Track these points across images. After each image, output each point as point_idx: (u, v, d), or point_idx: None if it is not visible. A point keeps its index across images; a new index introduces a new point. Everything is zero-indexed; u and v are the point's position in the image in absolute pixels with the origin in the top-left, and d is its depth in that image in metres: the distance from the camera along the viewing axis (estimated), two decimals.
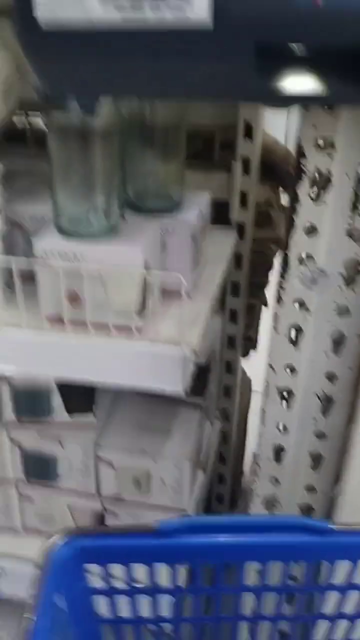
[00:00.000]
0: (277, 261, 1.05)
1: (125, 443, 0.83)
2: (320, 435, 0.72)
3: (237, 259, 0.99)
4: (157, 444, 0.83)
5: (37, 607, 0.50)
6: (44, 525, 0.93)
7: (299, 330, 0.67)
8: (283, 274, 0.64)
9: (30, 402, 0.83)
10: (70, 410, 0.83)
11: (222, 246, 0.92)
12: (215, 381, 1.03)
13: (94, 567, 0.59)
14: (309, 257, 0.63)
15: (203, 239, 0.82)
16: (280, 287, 0.65)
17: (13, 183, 0.85)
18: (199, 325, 0.74)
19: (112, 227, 0.73)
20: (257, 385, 1.23)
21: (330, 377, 0.68)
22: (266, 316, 1.12)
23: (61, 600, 0.56)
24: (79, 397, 0.83)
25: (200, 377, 0.87)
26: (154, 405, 0.88)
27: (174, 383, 0.72)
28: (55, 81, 0.48)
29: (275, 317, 0.67)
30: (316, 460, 0.73)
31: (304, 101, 0.47)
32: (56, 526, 0.91)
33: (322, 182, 0.59)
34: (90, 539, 0.57)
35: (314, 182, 0.59)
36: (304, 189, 0.60)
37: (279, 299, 0.66)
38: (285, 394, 0.71)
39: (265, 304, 1.11)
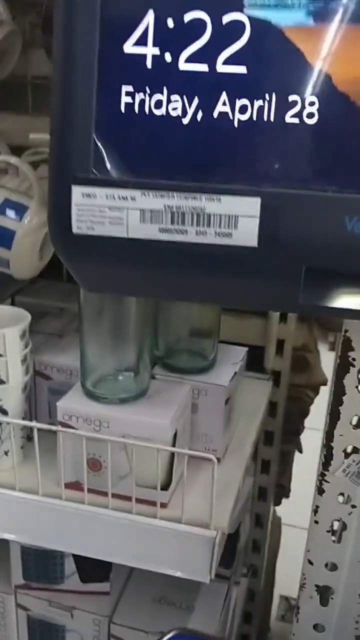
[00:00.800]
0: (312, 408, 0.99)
1: (142, 620, 0.75)
2: None
3: (271, 407, 0.93)
4: (177, 623, 0.75)
5: None
6: None
7: (343, 525, 0.60)
8: (326, 465, 0.59)
9: (41, 567, 0.76)
10: (84, 578, 0.76)
11: (257, 397, 0.87)
12: (243, 537, 0.95)
13: None
14: (355, 450, 0.57)
15: (237, 393, 0.77)
16: (323, 478, 0.59)
17: (44, 326, 0.83)
18: (230, 499, 0.68)
19: (142, 391, 0.68)
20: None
21: None
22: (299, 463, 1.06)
23: None
24: (95, 563, 0.76)
25: (229, 547, 0.80)
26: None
27: (200, 570, 0.65)
28: (90, 281, 0.45)
29: (316, 510, 0.61)
30: None
31: (353, 315, 0.43)
32: None
33: None
34: None
35: None
36: (352, 380, 0.55)
37: (320, 491, 0.60)
38: (323, 592, 0.63)
39: (300, 450, 1.04)
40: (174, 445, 0.65)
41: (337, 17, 0.36)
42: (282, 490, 1.05)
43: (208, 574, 0.64)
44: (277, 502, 1.05)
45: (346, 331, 0.54)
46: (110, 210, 0.39)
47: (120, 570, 0.79)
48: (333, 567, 0.62)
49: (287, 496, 1.06)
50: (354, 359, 0.54)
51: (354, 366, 0.55)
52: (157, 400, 0.68)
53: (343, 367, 0.55)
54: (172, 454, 0.65)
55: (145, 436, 0.64)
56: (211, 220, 0.39)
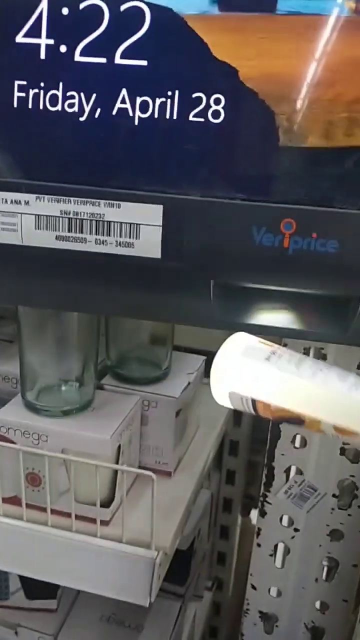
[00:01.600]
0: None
1: None
2: None
3: (236, 416, 0.89)
4: None
5: None
6: None
7: (286, 549, 0.57)
8: (267, 486, 0.55)
9: None
10: (30, 594, 0.73)
11: (217, 407, 0.82)
12: (208, 550, 0.92)
13: None
14: (299, 471, 0.54)
15: (196, 403, 0.74)
16: (265, 499, 0.56)
17: None
18: (177, 516, 0.65)
19: (86, 403, 0.65)
20: None
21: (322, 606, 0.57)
22: None
23: None
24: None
25: (182, 564, 0.77)
26: None
27: (140, 593, 0.61)
28: None
29: (259, 532, 0.57)
30: None
31: (269, 332, 0.39)
32: None
33: None
34: None
35: None
36: None
37: (262, 513, 0.56)
38: (267, 619, 0.60)
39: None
40: (117, 460, 0.62)
41: (244, 6, 0.32)
42: (251, 502, 1.02)
43: (148, 596, 0.61)
44: (245, 514, 1.01)
45: (285, 345, 0.50)
46: (3, 216, 0.36)
47: (69, 588, 0.76)
48: (278, 594, 0.58)
49: (257, 507, 1.03)
50: None
51: None
52: (101, 412, 0.64)
53: None
54: (114, 476, 0.61)
55: (85, 451, 0.60)
56: (111, 228, 0.35)
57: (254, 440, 0.96)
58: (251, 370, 0.30)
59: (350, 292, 0.35)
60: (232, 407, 0.33)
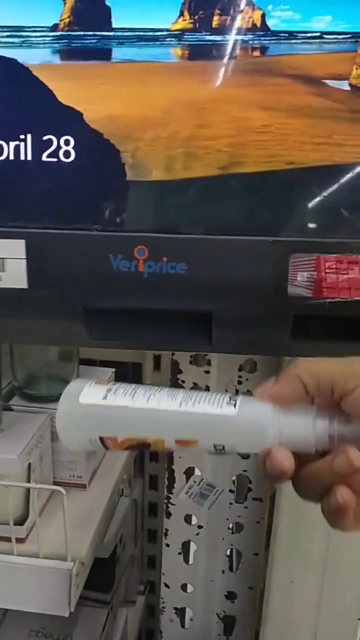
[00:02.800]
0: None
1: None
2: None
3: None
4: None
5: None
6: None
7: (192, 546, 0.60)
8: (170, 488, 0.58)
9: None
10: None
11: None
12: (137, 554, 0.94)
13: None
14: (192, 471, 0.57)
15: None
16: (168, 501, 0.59)
17: None
18: (92, 527, 0.67)
19: None
20: None
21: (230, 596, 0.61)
22: None
23: None
24: None
25: (105, 571, 0.79)
26: None
27: (59, 604, 0.63)
28: None
29: (166, 533, 0.60)
30: None
31: (143, 346, 0.43)
32: None
33: None
34: None
35: None
36: None
37: (168, 514, 0.60)
38: (182, 614, 0.63)
39: None
40: (28, 479, 0.64)
41: (83, 55, 0.35)
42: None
43: (67, 607, 0.63)
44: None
45: (173, 354, 0.54)
46: None
47: None
48: (189, 589, 0.62)
49: None
50: (183, 381, 0.54)
51: (183, 387, 0.54)
52: (9, 433, 0.66)
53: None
54: (26, 493, 0.63)
55: None
56: None
57: None
58: (90, 413, 0.31)
59: (204, 307, 0.38)
60: (84, 450, 0.35)
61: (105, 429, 0.32)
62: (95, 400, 0.31)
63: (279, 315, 0.37)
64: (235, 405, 0.29)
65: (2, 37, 0.35)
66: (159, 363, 0.91)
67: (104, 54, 0.35)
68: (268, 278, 0.36)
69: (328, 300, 0.36)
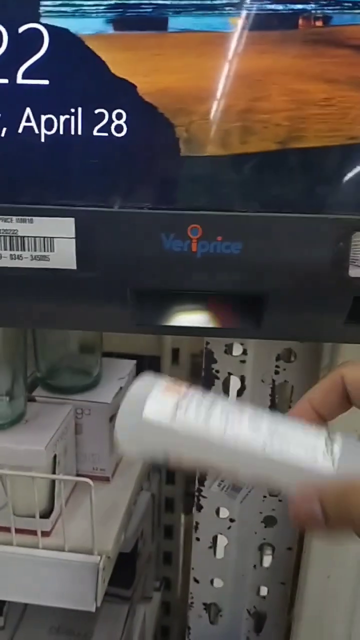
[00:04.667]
0: None
1: None
2: None
3: None
4: None
5: None
6: None
7: (224, 540, 0.59)
8: (201, 481, 0.57)
9: None
10: None
11: None
12: (153, 550, 0.93)
13: None
14: None
15: None
16: (200, 494, 0.58)
17: None
18: (117, 520, 0.65)
19: (18, 416, 0.65)
20: None
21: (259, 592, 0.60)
22: None
23: None
24: None
25: (127, 567, 0.78)
26: None
27: (86, 599, 0.62)
28: None
29: (197, 526, 0.59)
30: None
31: (187, 332, 0.41)
32: None
33: None
34: None
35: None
36: (217, 393, 0.54)
37: (199, 507, 0.58)
38: (211, 610, 0.62)
39: None
40: (54, 471, 0.63)
41: (137, 25, 0.34)
42: (193, 499, 1.04)
43: (94, 602, 0.61)
44: (188, 512, 1.03)
45: (207, 343, 0.52)
46: None
47: (16, 602, 0.76)
48: (219, 584, 0.60)
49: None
50: (217, 371, 0.53)
51: (218, 378, 0.53)
52: (34, 424, 0.65)
53: (208, 380, 0.53)
54: (51, 485, 0.62)
55: (21, 464, 0.61)
56: (25, 243, 0.36)
57: None
58: (156, 433, 0.28)
59: (257, 289, 0.37)
60: (145, 460, 0.32)
61: (172, 452, 0.28)
62: (162, 417, 0.28)
63: (337, 298, 0.36)
64: (333, 462, 0.26)
65: (54, 5, 0.34)
66: (177, 356, 0.90)
67: (160, 24, 0.34)
68: (327, 258, 0.35)
69: None
